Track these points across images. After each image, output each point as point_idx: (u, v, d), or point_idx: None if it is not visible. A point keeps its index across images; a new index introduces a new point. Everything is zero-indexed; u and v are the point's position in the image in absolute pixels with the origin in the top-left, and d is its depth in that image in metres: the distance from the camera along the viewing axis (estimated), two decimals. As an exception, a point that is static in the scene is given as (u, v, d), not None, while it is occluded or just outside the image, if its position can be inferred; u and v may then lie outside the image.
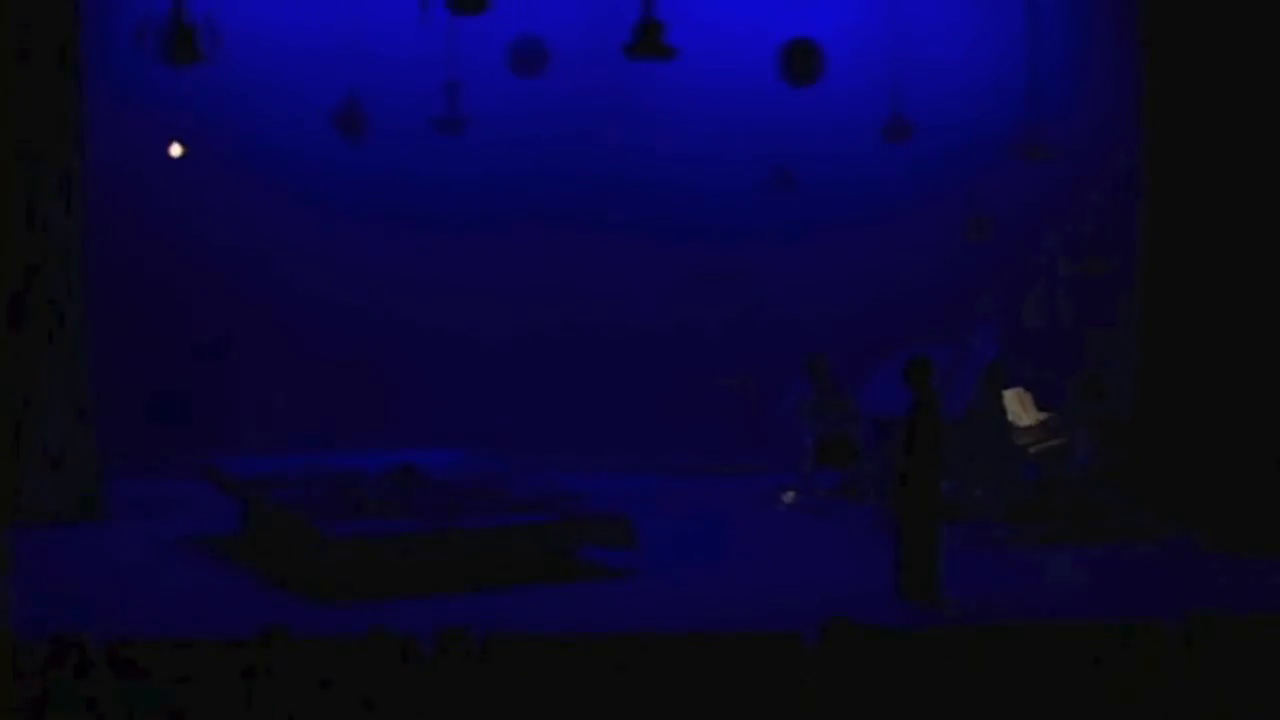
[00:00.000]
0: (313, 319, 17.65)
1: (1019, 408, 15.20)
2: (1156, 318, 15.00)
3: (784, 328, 17.81)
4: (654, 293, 18.15)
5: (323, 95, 16.48)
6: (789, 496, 15.92)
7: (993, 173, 17.07)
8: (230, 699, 8.91)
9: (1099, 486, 14.65)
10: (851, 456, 15.80)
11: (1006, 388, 15.19)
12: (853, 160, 17.43)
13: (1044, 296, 17.57)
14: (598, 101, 17.51)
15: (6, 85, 14.05)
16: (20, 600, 10.94)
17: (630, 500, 13.68)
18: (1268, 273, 14.24)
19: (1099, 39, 16.85)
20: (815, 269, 17.89)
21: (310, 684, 9.00)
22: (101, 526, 14.43)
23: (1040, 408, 15.33)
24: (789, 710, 9.08)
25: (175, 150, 16.76)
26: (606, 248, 17.94)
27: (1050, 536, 13.93)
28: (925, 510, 11.67)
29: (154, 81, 15.74)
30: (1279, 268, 14.23)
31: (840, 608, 10.35)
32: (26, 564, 12.07)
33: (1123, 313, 15.80)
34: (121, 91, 16.00)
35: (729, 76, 17.23)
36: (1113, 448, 14.76)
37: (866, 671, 9.20)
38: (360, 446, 15.95)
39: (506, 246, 17.79)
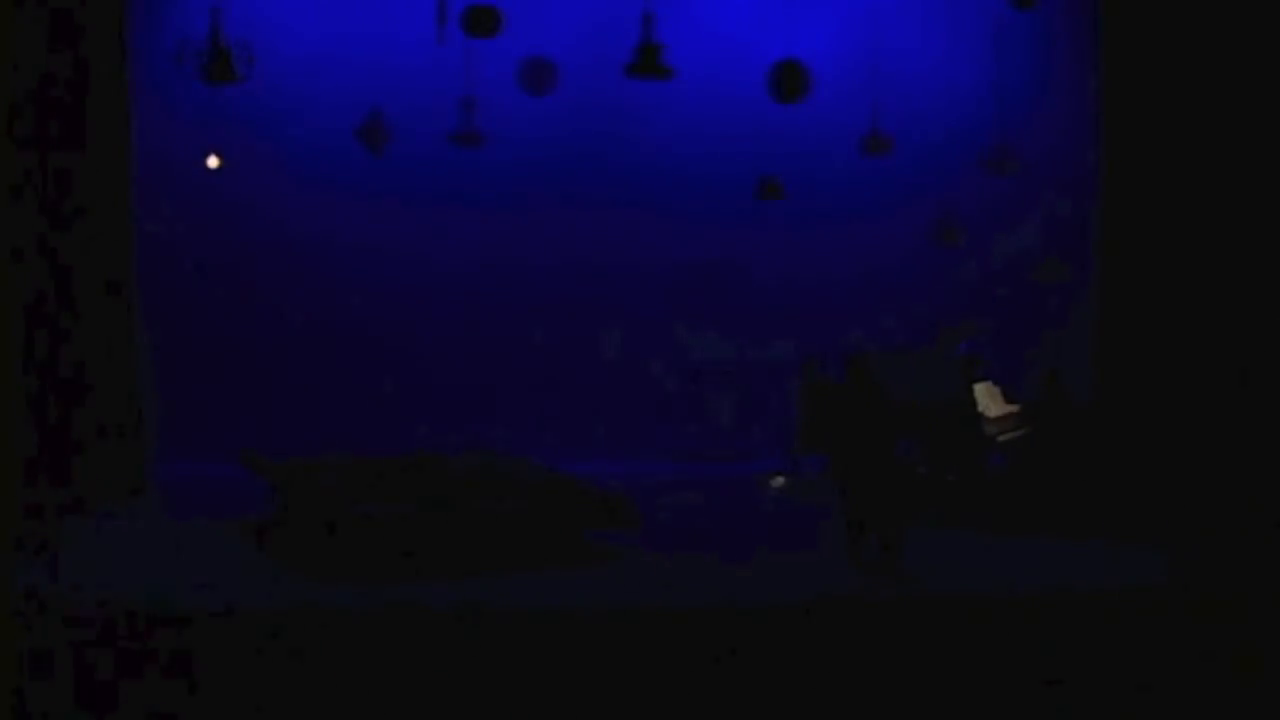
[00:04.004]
0: (330, 312, 17.98)
1: (988, 400, 15.61)
2: (1113, 319, 15.47)
3: (772, 322, 18.34)
4: (653, 288, 18.47)
5: (348, 111, 16.72)
6: (778, 481, 16.54)
7: (963, 182, 17.47)
8: (256, 669, 9.66)
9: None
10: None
11: (976, 381, 15.62)
12: (835, 169, 17.74)
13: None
14: (602, 116, 17.79)
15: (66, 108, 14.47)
16: (69, 576, 11.38)
17: (631, 485, 14.16)
18: (1217, 272, 14.66)
19: (1060, 58, 17.11)
20: (800, 267, 18.27)
21: (333, 657, 9.73)
22: (148, 508, 14.89)
23: (1008, 400, 15.75)
24: (779, 675, 9.87)
25: (212, 162, 17.11)
26: (609, 246, 18.25)
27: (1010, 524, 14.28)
28: (883, 493, 12.19)
29: (194, 98, 16.07)
30: (1227, 267, 14.60)
31: (823, 582, 11.40)
32: (76, 543, 12.76)
33: (1076, 314, 16.26)
34: (165, 107, 16.31)
35: (724, 93, 17.54)
36: (1070, 441, 14.98)
37: (846, 639, 10.06)
38: (382, 433, 16.59)
39: (515, 245, 18.12)
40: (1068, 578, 11.83)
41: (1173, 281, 14.96)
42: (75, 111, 14.61)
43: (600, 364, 18.39)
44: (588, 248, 18.26)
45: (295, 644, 9.89)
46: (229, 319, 17.73)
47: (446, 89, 16.73)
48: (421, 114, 16.96)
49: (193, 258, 17.43)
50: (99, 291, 15.03)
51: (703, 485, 16.55)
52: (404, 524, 12.48)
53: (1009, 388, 15.95)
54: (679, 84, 16.10)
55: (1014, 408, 15.66)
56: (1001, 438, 15.41)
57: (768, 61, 16.46)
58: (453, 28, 15.84)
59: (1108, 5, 15.57)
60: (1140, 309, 15.21)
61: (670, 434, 18.29)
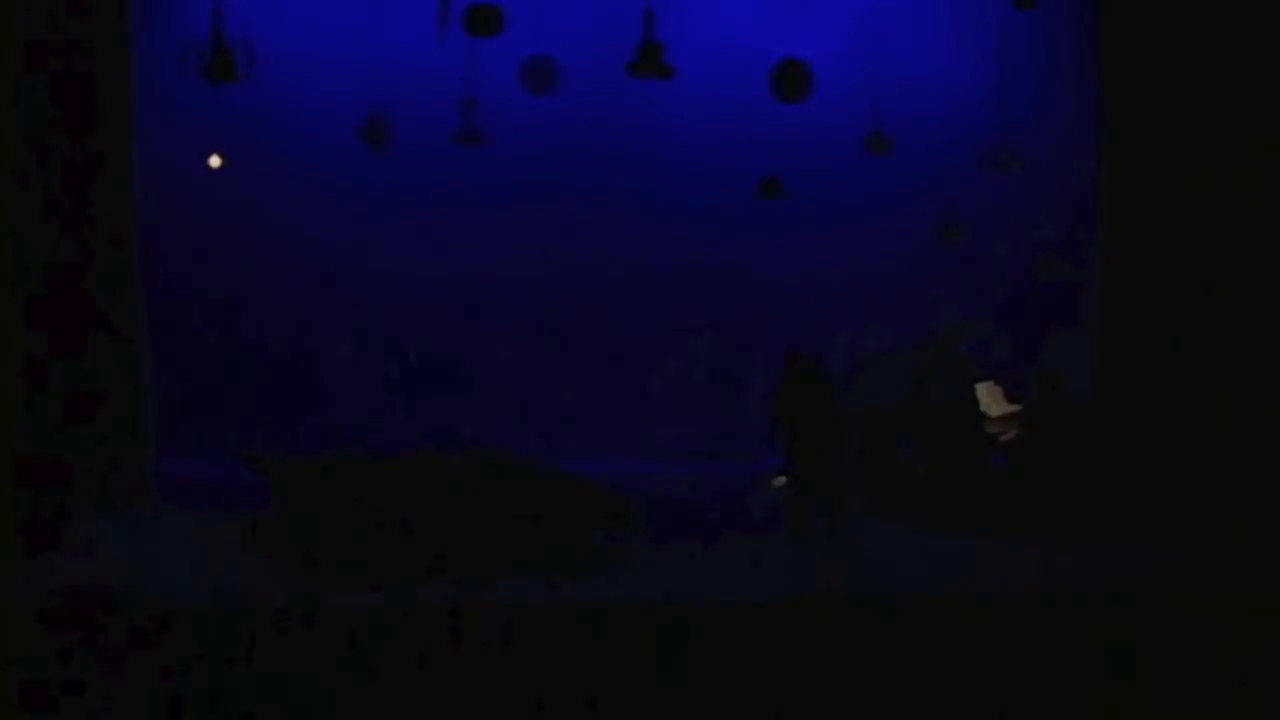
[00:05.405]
0: (331, 310, 18.09)
1: (989, 400, 15.64)
2: (1114, 318, 15.29)
3: (773, 321, 18.29)
4: (654, 287, 18.51)
5: (351, 110, 16.82)
6: (779, 481, 16.29)
7: (965, 181, 17.48)
8: (255, 667, 9.72)
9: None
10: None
11: (978, 381, 15.69)
12: (837, 169, 17.76)
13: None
14: (604, 116, 17.84)
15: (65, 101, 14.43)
16: (69, 576, 11.46)
17: (632, 485, 14.21)
18: (1219, 272, 14.53)
19: (1063, 59, 17.07)
20: (802, 267, 18.35)
21: (333, 657, 9.79)
22: (148, 508, 14.74)
23: (1009, 400, 15.76)
24: (779, 673, 9.97)
25: (214, 161, 17.22)
26: (610, 245, 18.33)
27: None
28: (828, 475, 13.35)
29: (196, 97, 16.15)
30: (1229, 267, 14.48)
31: (822, 581, 11.50)
32: (77, 543, 12.83)
33: (1083, 313, 16.15)
34: (167, 106, 16.26)
35: (726, 92, 17.57)
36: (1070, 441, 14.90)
37: (845, 638, 10.18)
38: (384, 433, 16.62)
39: (517, 245, 18.15)
40: (1066, 578, 11.88)
41: (1174, 281, 14.86)
42: (77, 110, 14.50)
43: (601, 363, 18.45)
44: (589, 246, 18.33)
45: (294, 643, 9.90)
46: (230, 318, 17.82)
47: (449, 88, 16.79)
48: (424, 113, 17.03)
49: (194, 257, 17.48)
50: (100, 290, 14.86)
51: (704, 485, 16.55)
52: (405, 524, 12.47)
53: (1010, 388, 15.94)
54: (681, 83, 16.18)
55: (1016, 407, 15.68)
56: (1002, 438, 15.42)
57: (770, 61, 16.52)
58: (455, 27, 15.87)
59: (1110, 4, 15.51)
60: (1142, 308, 15.11)
61: (670, 434, 18.30)
